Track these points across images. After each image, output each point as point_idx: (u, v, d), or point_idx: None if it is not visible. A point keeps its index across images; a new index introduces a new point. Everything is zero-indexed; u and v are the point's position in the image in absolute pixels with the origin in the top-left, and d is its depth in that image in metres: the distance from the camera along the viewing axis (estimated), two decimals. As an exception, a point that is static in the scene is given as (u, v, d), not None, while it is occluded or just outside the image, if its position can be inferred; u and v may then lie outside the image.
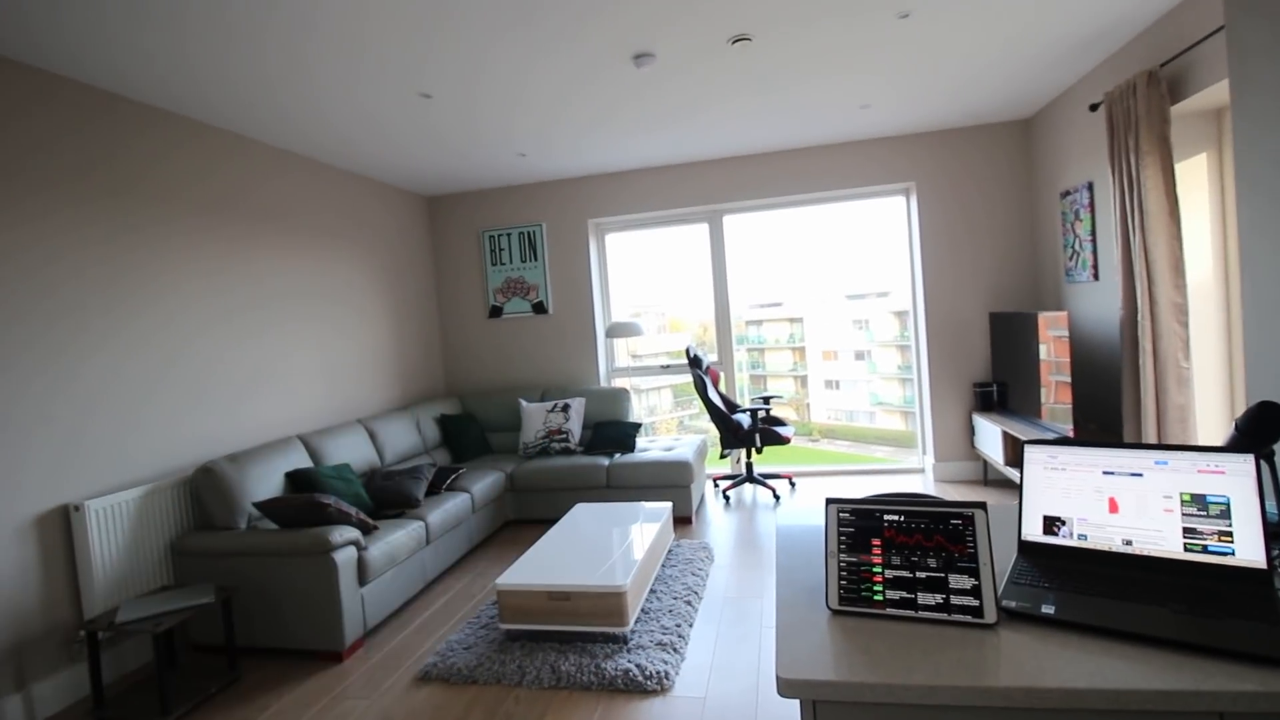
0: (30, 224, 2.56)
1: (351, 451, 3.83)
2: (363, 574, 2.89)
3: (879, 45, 3.06)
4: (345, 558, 2.80)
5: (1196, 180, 3.11)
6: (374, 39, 2.61)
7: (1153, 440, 3.00)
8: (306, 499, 2.89)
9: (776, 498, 4.69)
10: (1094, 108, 3.39)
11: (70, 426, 2.66)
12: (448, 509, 3.63)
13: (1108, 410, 3.63)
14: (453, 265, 5.56)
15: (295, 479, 3.30)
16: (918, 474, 5.04)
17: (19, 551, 2.47)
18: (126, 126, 2.96)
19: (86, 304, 2.75)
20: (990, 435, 4.27)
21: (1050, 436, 3.51)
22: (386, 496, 3.49)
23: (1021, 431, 3.83)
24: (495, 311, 5.49)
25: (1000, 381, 4.48)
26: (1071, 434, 3.45)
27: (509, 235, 5.42)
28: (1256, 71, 1.58)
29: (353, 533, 2.89)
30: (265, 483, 3.15)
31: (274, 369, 3.72)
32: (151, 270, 3.04)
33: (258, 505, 2.92)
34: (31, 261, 2.56)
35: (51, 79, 2.66)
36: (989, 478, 4.68)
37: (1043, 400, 3.78)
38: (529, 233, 5.39)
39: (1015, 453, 4.01)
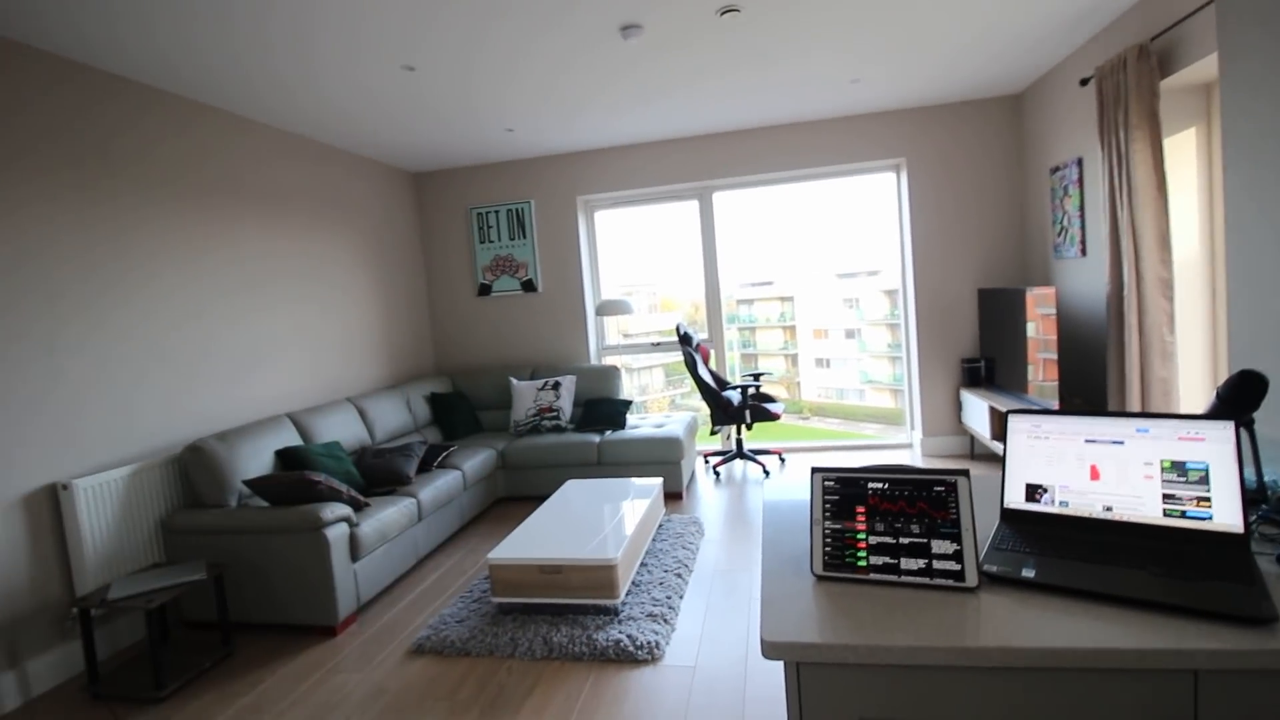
0: (23, 209, 2.52)
1: (342, 429, 3.82)
2: (355, 550, 2.90)
3: (868, 18, 3.03)
4: (337, 534, 2.80)
5: (1184, 156, 3.11)
6: (361, 11, 2.55)
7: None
8: (297, 476, 2.88)
9: (766, 473, 4.73)
10: (1084, 82, 3.37)
11: (56, 405, 2.63)
12: (439, 486, 3.64)
13: (1093, 384, 3.67)
14: (441, 243, 5.51)
15: (285, 457, 3.29)
16: (905, 449, 5.09)
17: (7, 531, 2.46)
18: (121, 109, 2.90)
19: (70, 285, 2.70)
20: (977, 410, 4.31)
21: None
22: (378, 474, 3.49)
23: (1008, 406, 3.86)
24: (484, 289, 5.46)
25: (988, 357, 4.52)
26: (1057, 408, 3.49)
27: (497, 212, 5.37)
28: (1244, 39, 1.58)
29: (344, 509, 2.90)
30: (255, 461, 3.14)
31: (262, 347, 3.69)
32: (135, 252, 2.99)
33: (248, 483, 2.92)
34: (23, 244, 2.52)
35: (37, 55, 2.59)
36: (975, 452, 4.74)
37: (1030, 376, 3.81)
38: (517, 210, 5.33)
39: (1001, 427, 4.05)
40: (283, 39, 2.75)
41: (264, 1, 2.44)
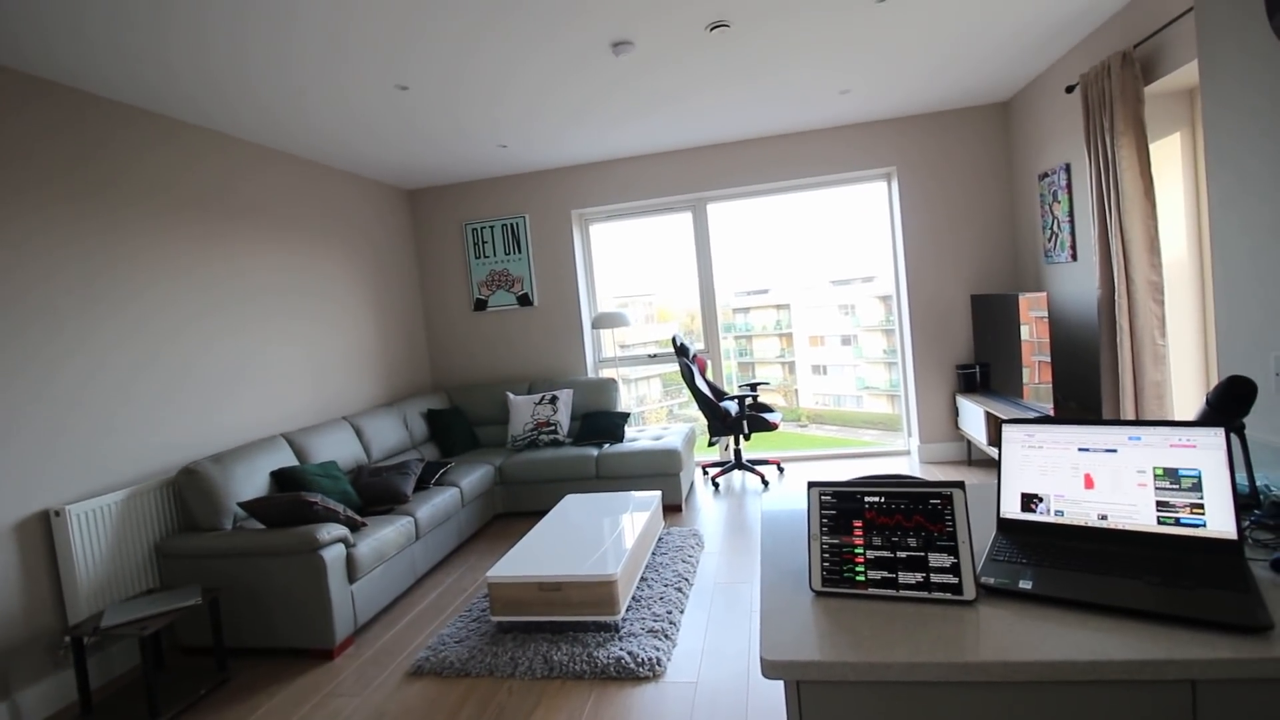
0: (30, 241, 2.53)
1: (338, 449, 3.81)
2: (352, 571, 2.88)
3: (856, 30, 3.06)
4: (333, 555, 2.78)
5: (1171, 160, 3.14)
6: (353, 32, 2.57)
7: (1131, 417, 3.05)
8: (292, 498, 2.87)
9: (765, 483, 4.72)
10: (1070, 89, 3.41)
11: (48, 430, 2.61)
12: (436, 504, 3.62)
13: (1087, 388, 3.68)
14: (436, 259, 5.52)
15: (281, 478, 3.27)
16: (903, 456, 5.09)
17: (-1, 559, 2.44)
18: (100, 125, 2.89)
19: (60, 304, 2.70)
20: (973, 416, 4.32)
21: (1030, 416, 3.56)
22: (374, 493, 3.48)
23: (1004, 412, 3.87)
24: (480, 305, 5.46)
25: (982, 363, 4.53)
26: (1052, 413, 3.50)
27: (492, 228, 5.38)
28: (1224, 52, 1.60)
29: (340, 530, 2.88)
30: (250, 482, 3.13)
31: (255, 367, 3.68)
32: (126, 270, 2.99)
33: (243, 505, 2.90)
34: (27, 273, 2.53)
35: (25, 79, 2.59)
36: (973, 458, 4.74)
37: (1025, 380, 3.82)
38: (512, 225, 5.35)
39: (997, 432, 4.05)
40: (287, 61, 2.77)
41: (281, 25, 2.45)
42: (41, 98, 2.69)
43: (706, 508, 4.34)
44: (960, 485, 1.11)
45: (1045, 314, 3.57)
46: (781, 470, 5.01)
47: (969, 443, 4.68)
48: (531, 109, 3.73)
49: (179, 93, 2.98)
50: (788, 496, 1.66)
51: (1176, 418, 2.97)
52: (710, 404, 4.65)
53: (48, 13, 2.22)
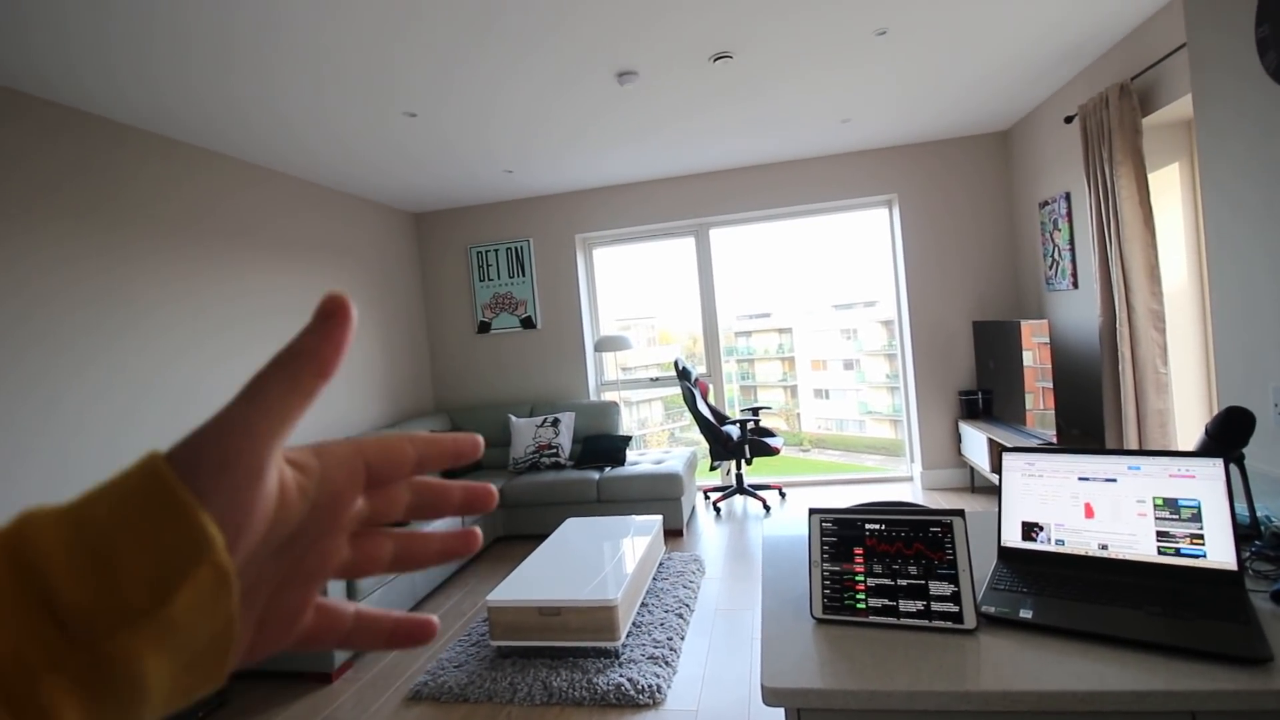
0: (26, 260, 2.54)
1: (340, 470, 3.80)
2: (351, 592, 2.87)
3: (857, 62, 3.13)
4: (334, 577, 2.77)
5: (1170, 189, 3.18)
6: (371, 60, 2.64)
7: (1134, 445, 3.04)
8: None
9: (767, 508, 4.70)
10: (1069, 120, 3.46)
11: (51, 457, 2.62)
12: (437, 525, 3.61)
13: (1090, 416, 3.68)
14: (440, 281, 5.57)
15: (283, 498, 3.27)
16: (906, 482, 5.07)
17: None
18: (100, 144, 2.93)
19: (62, 329, 2.70)
20: (976, 442, 4.31)
21: (1033, 443, 3.56)
22: (375, 514, 3.47)
23: (1006, 438, 3.87)
24: (483, 327, 5.50)
25: (985, 389, 4.53)
26: (1055, 440, 3.50)
27: (496, 251, 5.44)
28: (1217, 86, 1.64)
29: (341, 552, 2.87)
30: (252, 503, 3.12)
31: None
32: (128, 292, 3.01)
33: (245, 526, 2.89)
34: (27, 296, 2.53)
35: (23, 98, 2.64)
36: (976, 484, 4.72)
37: (1028, 406, 3.82)
38: (516, 248, 5.41)
39: (1000, 459, 4.04)
40: (290, 88, 2.83)
41: (273, 53, 2.52)
42: (25, 116, 2.73)
43: (708, 532, 4.32)
44: (960, 513, 1.12)
45: (1047, 341, 3.59)
46: (783, 495, 4.99)
47: (972, 469, 4.67)
48: (537, 136, 3.80)
49: (173, 116, 3.04)
50: (789, 522, 1.66)
51: (1181, 446, 2.97)
52: (712, 428, 4.66)
53: (33, 31, 2.28)
